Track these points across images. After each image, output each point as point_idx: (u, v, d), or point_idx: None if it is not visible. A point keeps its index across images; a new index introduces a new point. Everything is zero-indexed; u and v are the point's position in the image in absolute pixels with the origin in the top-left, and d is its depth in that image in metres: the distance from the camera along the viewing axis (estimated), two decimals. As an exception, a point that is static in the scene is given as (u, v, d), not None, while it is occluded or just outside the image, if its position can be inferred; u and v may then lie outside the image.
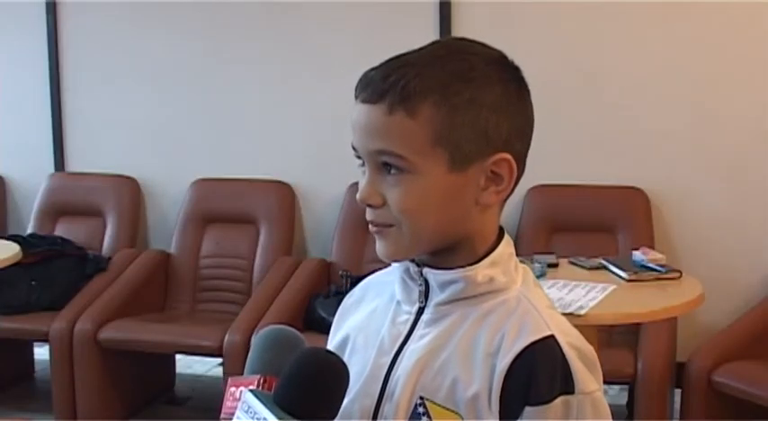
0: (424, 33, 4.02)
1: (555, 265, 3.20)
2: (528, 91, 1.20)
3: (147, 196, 4.60)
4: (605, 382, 1.16)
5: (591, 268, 3.16)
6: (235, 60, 4.43)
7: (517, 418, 1.11)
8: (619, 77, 4.06)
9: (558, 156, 4.09)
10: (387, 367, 1.19)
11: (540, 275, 3.00)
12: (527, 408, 1.11)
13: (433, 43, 1.22)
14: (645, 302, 2.91)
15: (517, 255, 1.23)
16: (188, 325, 4.10)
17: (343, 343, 1.26)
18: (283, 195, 4.38)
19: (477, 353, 1.14)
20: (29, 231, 4.51)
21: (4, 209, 4.78)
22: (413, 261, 1.20)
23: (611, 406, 1.15)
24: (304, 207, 4.43)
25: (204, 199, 4.45)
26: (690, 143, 4.02)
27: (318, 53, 4.31)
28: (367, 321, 1.25)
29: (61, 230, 4.50)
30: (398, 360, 1.18)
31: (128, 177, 4.57)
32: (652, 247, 3.53)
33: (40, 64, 4.63)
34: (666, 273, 3.09)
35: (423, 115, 1.13)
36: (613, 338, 3.69)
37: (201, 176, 4.47)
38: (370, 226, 1.19)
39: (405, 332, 1.20)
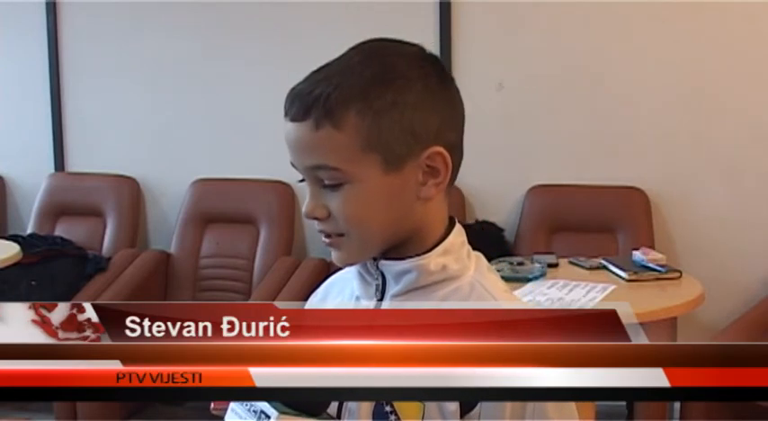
0: (424, 33, 4.01)
1: (555, 265, 3.20)
2: (451, 79, 1.22)
3: (147, 196, 4.60)
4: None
5: (591, 268, 3.16)
6: (235, 60, 4.43)
7: (472, 408, 1.12)
8: (619, 77, 4.06)
9: (558, 156, 4.09)
10: None
11: (541, 275, 3.01)
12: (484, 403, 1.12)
13: (352, 49, 1.25)
14: (645, 302, 2.90)
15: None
16: (188, 325, 4.10)
17: None
18: (283, 195, 4.38)
19: None
20: (29, 231, 4.51)
21: (4, 209, 4.77)
22: None
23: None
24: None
25: (204, 199, 4.45)
26: (690, 143, 4.02)
27: (318, 53, 4.27)
28: None
29: (61, 230, 4.50)
30: None
31: (128, 177, 4.56)
32: (652, 247, 3.53)
33: (40, 64, 4.63)
34: (666, 273, 3.09)
35: (349, 125, 1.16)
36: (613, 338, 3.69)
37: (201, 176, 4.47)
38: (322, 237, 1.22)
39: None
